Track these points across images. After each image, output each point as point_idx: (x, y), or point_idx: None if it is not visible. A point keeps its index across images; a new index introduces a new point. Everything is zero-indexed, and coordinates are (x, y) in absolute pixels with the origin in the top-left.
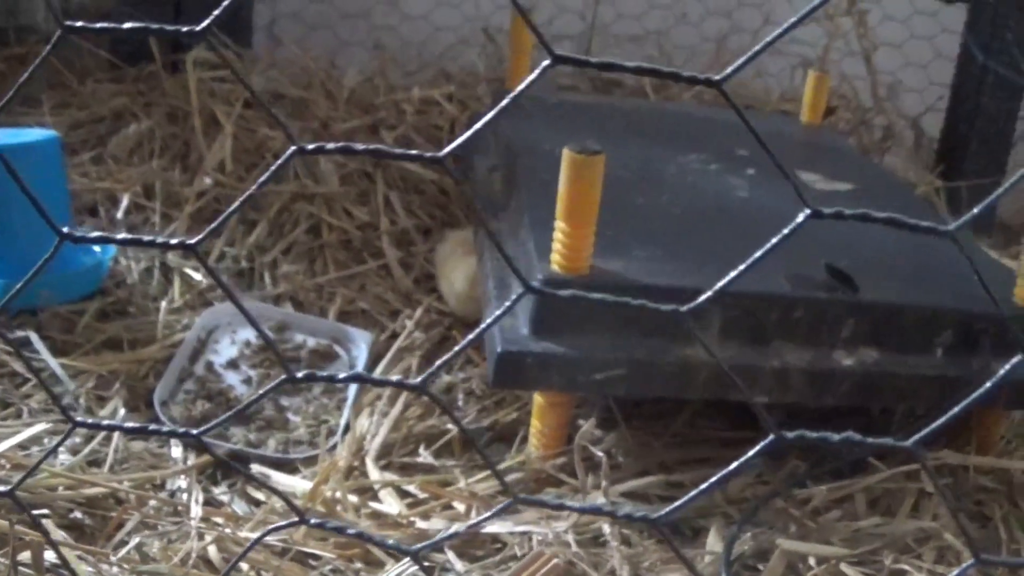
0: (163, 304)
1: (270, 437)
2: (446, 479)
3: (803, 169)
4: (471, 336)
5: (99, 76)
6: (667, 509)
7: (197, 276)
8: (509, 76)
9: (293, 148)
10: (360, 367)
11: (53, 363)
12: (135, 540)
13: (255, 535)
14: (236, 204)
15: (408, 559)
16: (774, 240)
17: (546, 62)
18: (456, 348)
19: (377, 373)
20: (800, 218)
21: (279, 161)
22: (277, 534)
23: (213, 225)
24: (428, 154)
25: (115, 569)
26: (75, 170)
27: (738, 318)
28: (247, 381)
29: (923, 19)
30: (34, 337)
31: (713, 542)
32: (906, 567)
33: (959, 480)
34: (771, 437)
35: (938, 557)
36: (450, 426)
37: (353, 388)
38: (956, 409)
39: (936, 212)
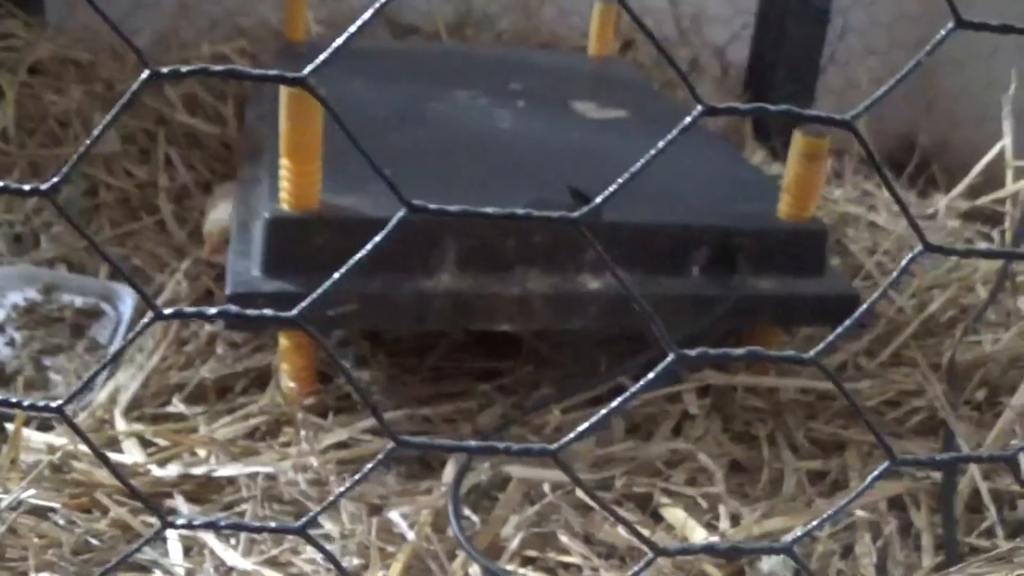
0: None
1: (30, 398)
2: (191, 426)
3: (579, 99)
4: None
5: None
6: (564, 440)
7: None
8: (286, 26)
9: (147, 72)
10: (125, 322)
11: None
12: None
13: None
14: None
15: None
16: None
17: None
18: None
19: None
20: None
21: (134, 87)
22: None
23: (65, 169)
24: (290, 75)
25: None
26: None
27: (476, 246)
28: (10, 343)
29: None
30: None
31: (449, 473)
32: (649, 490)
33: (726, 400)
34: (671, 356)
35: (689, 479)
36: (207, 374)
37: (115, 345)
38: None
39: (714, 135)
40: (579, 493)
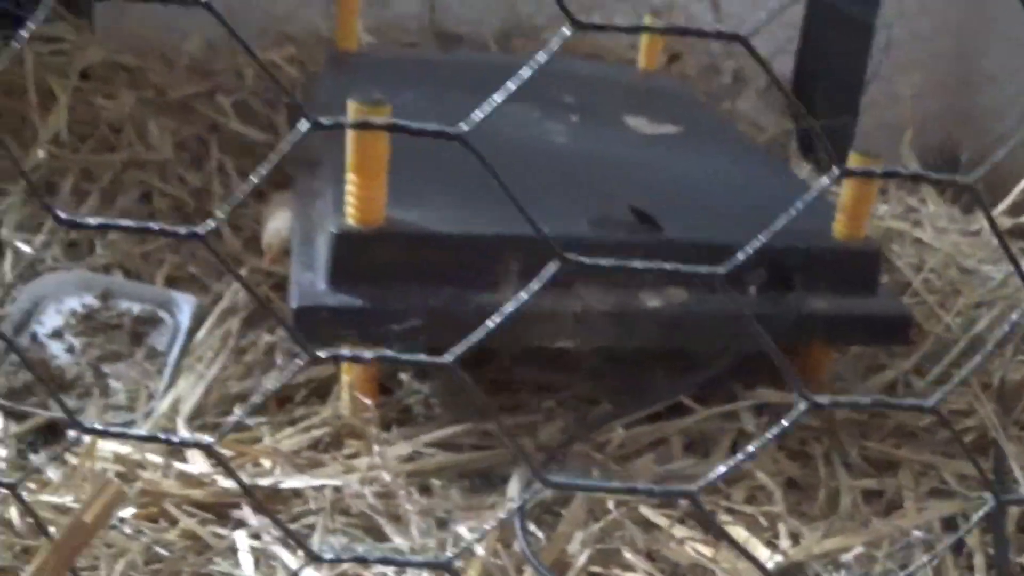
0: None
1: (90, 404)
2: (254, 436)
3: (631, 114)
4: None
5: None
6: (702, 482)
7: (27, 249)
8: (337, 35)
9: (307, 122)
10: (183, 331)
11: None
12: None
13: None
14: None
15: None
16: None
17: None
18: None
19: (200, 336)
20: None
21: (293, 139)
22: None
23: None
24: (451, 130)
25: None
26: None
27: (538, 263)
28: (70, 350)
29: None
30: None
31: (514, 488)
32: (711, 507)
33: (781, 419)
34: (804, 405)
35: (748, 498)
36: (265, 384)
37: (175, 352)
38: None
39: (768, 152)
40: (643, 510)
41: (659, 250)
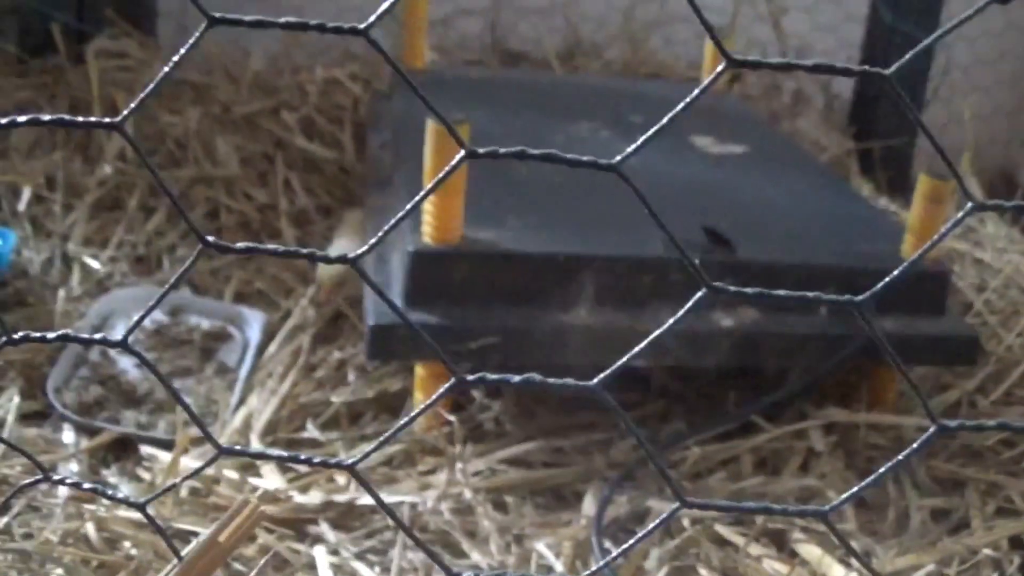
0: (61, 293)
1: (160, 419)
2: (328, 452)
3: (698, 134)
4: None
5: (5, 70)
6: (837, 501)
7: (95, 264)
8: (405, 54)
9: (463, 152)
10: (253, 347)
11: None
12: (4, 520)
13: (133, 514)
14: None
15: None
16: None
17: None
18: None
19: (269, 352)
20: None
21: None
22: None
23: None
24: (603, 162)
25: None
26: None
27: (612, 283)
28: (140, 365)
29: None
30: None
31: (589, 506)
32: (784, 526)
33: (850, 438)
34: (934, 428)
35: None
36: (334, 399)
37: (245, 368)
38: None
39: (835, 172)
40: (718, 527)
41: (733, 270)
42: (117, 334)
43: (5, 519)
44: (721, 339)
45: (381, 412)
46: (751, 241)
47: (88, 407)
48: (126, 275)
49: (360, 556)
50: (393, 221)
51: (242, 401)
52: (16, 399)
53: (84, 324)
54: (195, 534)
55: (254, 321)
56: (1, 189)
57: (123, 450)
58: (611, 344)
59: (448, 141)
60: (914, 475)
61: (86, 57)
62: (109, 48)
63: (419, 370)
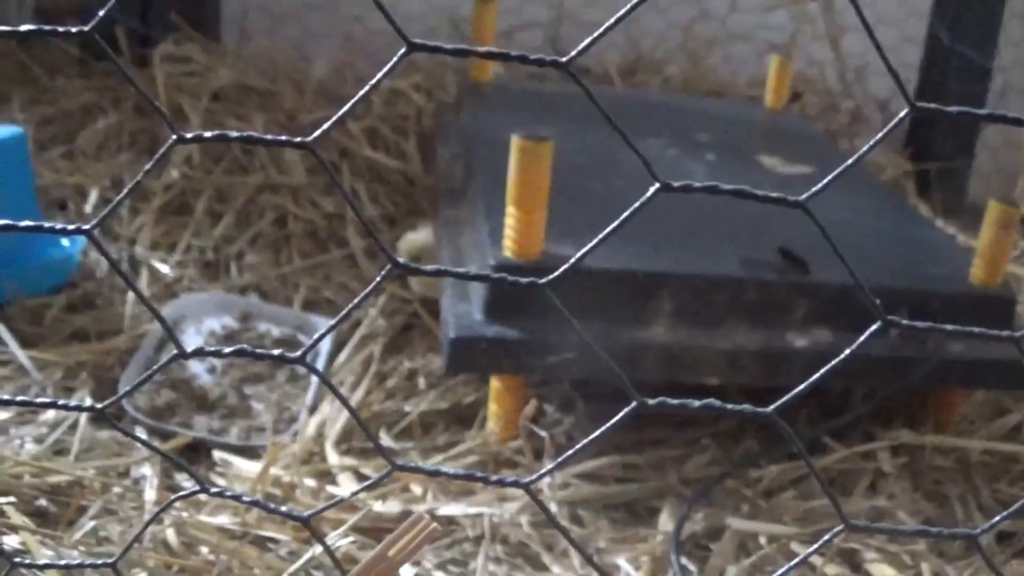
0: (130, 296)
1: (233, 425)
2: (405, 462)
3: (764, 153)
4: None
5: (69, 72)
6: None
7: (164, 268)
8: (472, 65)
9: (174, 137)
10: (324, 356)
11: (20, 355)
12: (91, 524)
13: (214, 519)
14: (122, 194)
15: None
16: (626, 213)
17: (402, 50)
18: None
19: (340, 361)
20: (651, 191)
21: (161, 151)
22: (234, 518)
23: (107, 211)
24: (297, 139)
25: (74, 552)
26: (45, 165)
27: (689, 300)
28: (211, 370)
29: (890, 2)
30: (2, 329)
31: (665, 522)
32: (856, 545)
33: (916, 460)
34: (633, 404)
35: (891, 537)
36: (409, 409)
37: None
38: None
39: (900, 194)
40: (792, 545)
41: (806, 292)
42: (188, 339)
43: (89, 523)
44: (794, 359)
45: (453, 423)
46: (823, 263)
47: (160, 411)
48: (194, 280)
49: (441, 567)
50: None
51: (314, 409)
52: (87, 401)
53: (154, 329)
54: (275, 541)
55: (323, 329)
56: (68, 191)
57: (195, 455)
58: (687, 361)
59: (532, 157)
60: (979, 496)
61: (151, 61)
62: (174, 53)
63: (495, 382)
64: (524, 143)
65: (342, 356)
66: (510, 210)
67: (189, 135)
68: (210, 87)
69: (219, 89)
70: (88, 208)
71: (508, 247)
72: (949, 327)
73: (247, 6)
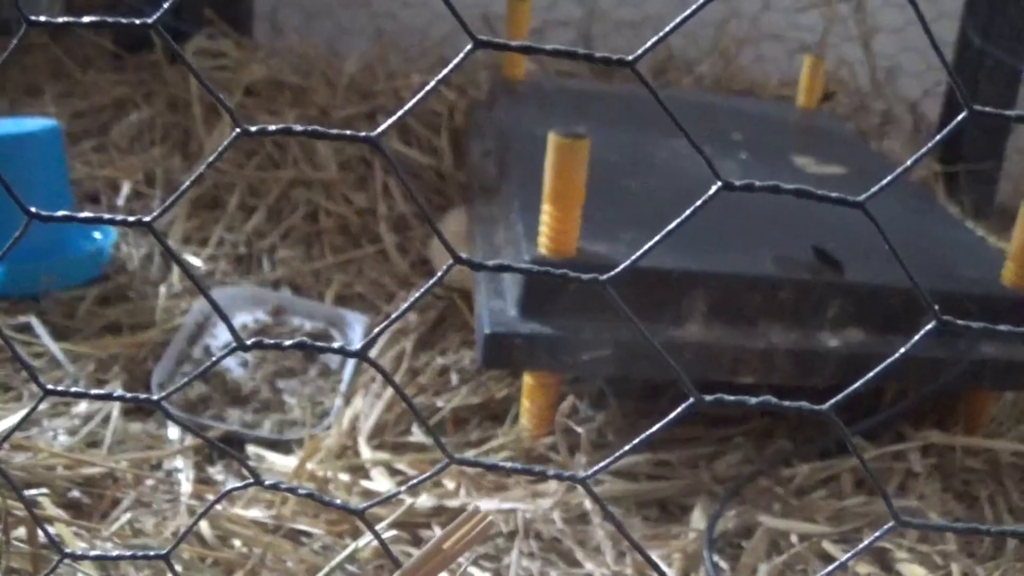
0: (162, 289)
1: (266, 418)
2: (436, 457)
3: (797, 153)
4: None
5: (101, 65)
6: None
7: (196, 262)
8: (506, 62)
9: (237, 131)
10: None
11: (54, 347)
12: (127, 516)
13: (248, 512)
14: (185, 185)
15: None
16: (688, 211)
17: (469, 46)
18: None
19: (372, 355)
20: (712, 189)
21: (224, 144)
22: (267, 511)
23: (167, 203)
24: (362, 134)
25: (108, 544)
26: (77, 159)
27: (724, 299)
28: (244, 364)
29: (922, 4)
30: (35, 322)
31: (698, 519)
32: (888, 545)
33: (946, 460)
34: (690, 400)
35: (921, 536)
36: (441, 404)
37: (349, 370)
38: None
39: (932, 195)
40: (824, 544)
41: (840, 292)
42: (219, 332)
43: (124, 515)
44: (828, 358)
45: (485, 419)
46: (857, 263)
47: (193, 404)
48: (227, 274)
49: (474, 561)
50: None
51: (347, 403)
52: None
53: (188, 321)
54: (309, 535)
55: (356, 324)
56: (100, 184)
57: (228, 446)
58: (721, 360)
59: (569, 154)
60: (1009, 498)
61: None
62: (207, 47)
63: (527, 378)
64: (561, 140)
65: (374, 351)
66: (546, 207)
67: (253, 128)
68: (242, 82)
69: (251, 84)
70: (120, 202)
71: (544, 244)
72: (996, 327)
73: (279, 2)
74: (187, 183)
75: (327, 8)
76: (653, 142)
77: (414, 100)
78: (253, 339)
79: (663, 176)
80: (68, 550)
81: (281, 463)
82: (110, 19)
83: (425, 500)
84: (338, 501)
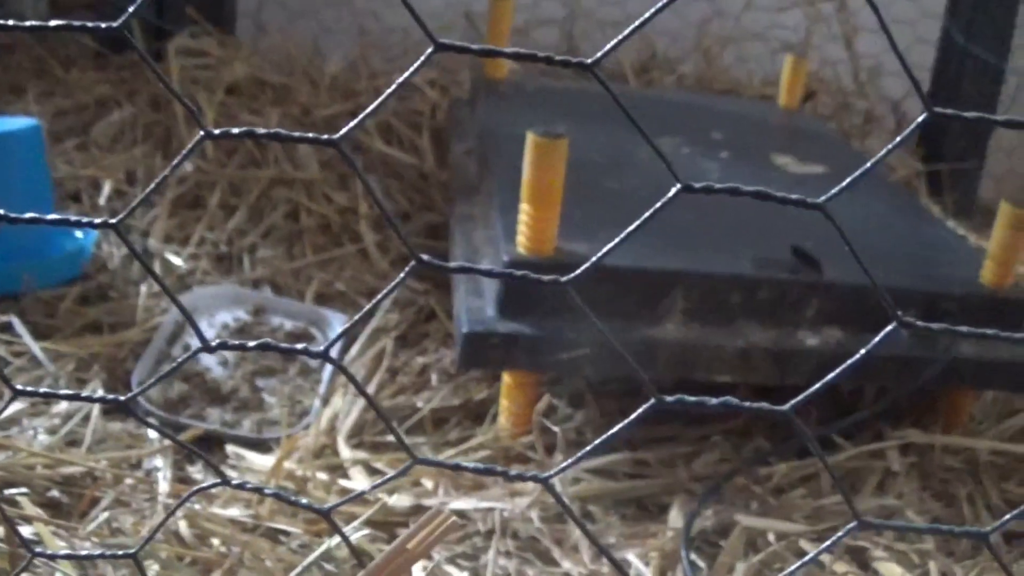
0: (143, 289)
1: (245, 418)
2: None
3: (778, 152)
4: None
5: (84, 64)
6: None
7: (177, 261)
8: (486, 63)
9: (201, 133)
10: (335, 349)
11: (34, 346)
12: (105, 515)
13: (226, 512)
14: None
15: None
16: (647, 213)
17: (430, 49)
18: None
19: (352, 355)
20: (672, 192)
21: (188, 147)
22: (245, 510)
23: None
24: (324, 136)
25: (87, 543)
26: (60, 157)
27: (702, 298)
28: (223, 363)
29: (904, 3)
30: (15, 321)
31: (675, 518)
32: (866, 544)
33: (925, 459)
34: (651, 401)
35: (899, 535)
36: (420, 404)
37: (328, 369)
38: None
39: (913, 194)
40: (801, 543)
41: (819, 292)
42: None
43: (103, 515)
44: (806, 357)
45: (464, 419)
46: (835, 262)
47: (173, 404)
48: (207, 273)
49: (451, 560)
50: None
51: (326, 403)
52: (100, 392)
53: (168, 320)
54: (287, 534)
55: (336, 323)
56: (82, 183)
57: (207, 448)
58: (699, 359)
59: (548, 154)
60: (987, 496)
61: (166, 54)
62: (190, 46)
63: (507, 378)
64: (540, 140)
65: (354, 350)
66: (524, 207)
67: (216, 131)
68: (225, 81)
69: (234, 83)
70: (102, 201)
71: (522, 243)
72: (963, 328)
73: (262, 1)
74: (151, 186)
75: (310, 7)
76: (634, 141)
77: (376, 103)
78: (218, 340)
79: (643, 176)
80: (44, 550)
81: (260, 462)
82: (76, 23)
83: (403, 499)
84: (304, 501)
